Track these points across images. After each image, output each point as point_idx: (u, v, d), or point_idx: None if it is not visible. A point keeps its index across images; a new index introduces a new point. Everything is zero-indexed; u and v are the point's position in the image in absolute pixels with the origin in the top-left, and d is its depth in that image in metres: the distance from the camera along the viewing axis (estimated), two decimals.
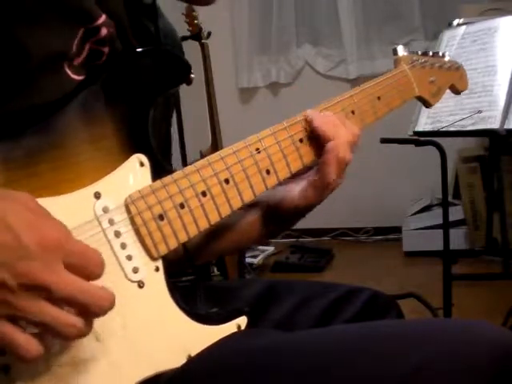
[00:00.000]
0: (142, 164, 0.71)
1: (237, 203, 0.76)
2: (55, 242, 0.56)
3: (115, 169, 0.69)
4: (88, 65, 0.73)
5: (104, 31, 0.73)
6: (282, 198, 0.85)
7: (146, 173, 0.71)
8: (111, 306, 0.59)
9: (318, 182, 0.82)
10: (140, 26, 0.83)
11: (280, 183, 0.82)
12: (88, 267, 0.58)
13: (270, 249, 3.40)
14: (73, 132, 0.68)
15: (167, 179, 0.71)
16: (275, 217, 0.87)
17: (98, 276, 0.59)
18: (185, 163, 2.64)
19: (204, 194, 0.73)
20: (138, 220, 0.68)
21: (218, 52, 2.79)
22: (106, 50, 0.74)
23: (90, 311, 0.57)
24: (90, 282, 0.58)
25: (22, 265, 0.54)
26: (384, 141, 1.98)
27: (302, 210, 0.85)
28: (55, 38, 0.69)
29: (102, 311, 0.58)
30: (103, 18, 0.73)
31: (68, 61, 0.70)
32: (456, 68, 1.11)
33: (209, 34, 2.57)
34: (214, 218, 0.74)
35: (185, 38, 2.45)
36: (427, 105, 1.05)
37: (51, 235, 0.56)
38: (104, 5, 0.74)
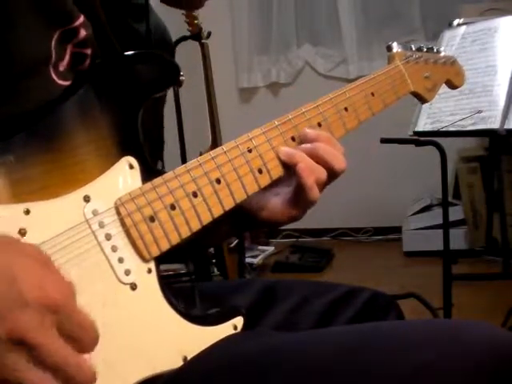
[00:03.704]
0: (131, 166, 0.71)
1: (229, 203, 0.75)
2: (55, 304, 0.54)
3: (105, 172, 0.69)
4: (74, 69, 0.72)
5: (83, 33, 0.72)
6: (261, 208, 0.82)
7: (135, 175, 0.71)
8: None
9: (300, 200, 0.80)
10: (125, 27, 0.83)
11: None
12: (83, 340, 0.56)
13: (270, 249, 3.40)
14: (62, 136, 0.67)
15: (157, 180, 0.70)
16: (243, 221, 0.84)
17: (89, 351, 0.56)
18: (184, 163, 2.62)
19: (195, 194, 0.72)
20: (128, 221, 0.67)
21: (217, 52, 2.79)
22: (89, 51, 0.73)
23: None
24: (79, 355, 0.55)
25: (16, 318, 0.52)
26: (384, 141, 1.98)
27: (280, 223, 0.84)
28: (34, 40, 0.68)
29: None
30: (81, 18, 0.72)
31: (53, 66, 0.70)
32: (451, 63, 1.10)
33: (209, 34, 2.57)
34: (206, 219, 0.73)
35: (185, 38, 2.45)
36: (423, 100, 1.04)
37: (53, 296, 0.54)
38: (81, 5, 0.73)
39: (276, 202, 0.82)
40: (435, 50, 1.08)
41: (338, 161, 0.81)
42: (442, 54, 1.09)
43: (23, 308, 0.52)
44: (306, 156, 0.80)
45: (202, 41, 2.55)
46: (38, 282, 0.54)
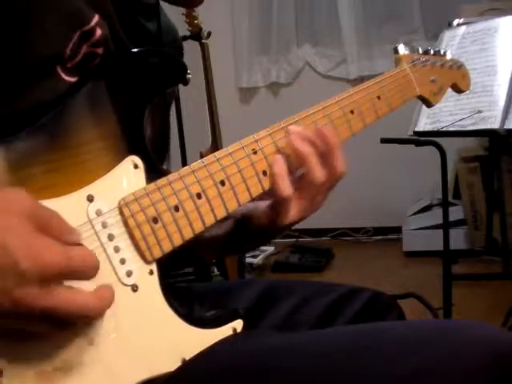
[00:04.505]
0: (136, 166, 0.70)
1: (232, 205, 0.75)
2: (51, 268, 0.55)
3: (109, 171, 0.68)
4: (82, 66, 0.71)
5: (99, 32, 0.71)
6: (250, 212, 0.82)
7: (140, 175, 0.70)
8: (105, 308, 0.61)
9: (274, 197, 0.78)
10: (135, 25, 0.83)
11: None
12: (87, 274, 0.59)
13: (270, 249, 3.40)
14: (66, 133, 0.67)
15: (162, 181, 0.70)
16: (246, 231, 0.84)
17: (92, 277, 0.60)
18: (185, 164, 2.63)
19: (199, 196, 0.72)
20: (132, 222, 0.67)
21: (218, 52, 2.79)
22: (101, 51, 0.72)
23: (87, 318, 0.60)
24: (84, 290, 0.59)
25: (19, 291, 0.54)
26: (384, 141, 1.98)
27: (268, 228, 0.81)
28: (50, 41, 0.67)
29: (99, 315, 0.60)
30: (96, 18, 0.71)
31: (61, 63, 0.69)
32: (458, 67, 1.09)
33: (209, 34, 2.57)
34: (210, 221, 0.73)
35: (185, 38, 2.45)
36: (428, 104, 1.03)
37: (48, 261, 0.55)
38: (95, 5, 0.72)
39: (262, 205, 0.81)
40: (442, 53, 1.07)
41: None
42: (449, 58, 1.08)
43: (21, 280, 0.54)
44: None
45: (202, 41, 2.55)
46: (31, 250, 0.54)
